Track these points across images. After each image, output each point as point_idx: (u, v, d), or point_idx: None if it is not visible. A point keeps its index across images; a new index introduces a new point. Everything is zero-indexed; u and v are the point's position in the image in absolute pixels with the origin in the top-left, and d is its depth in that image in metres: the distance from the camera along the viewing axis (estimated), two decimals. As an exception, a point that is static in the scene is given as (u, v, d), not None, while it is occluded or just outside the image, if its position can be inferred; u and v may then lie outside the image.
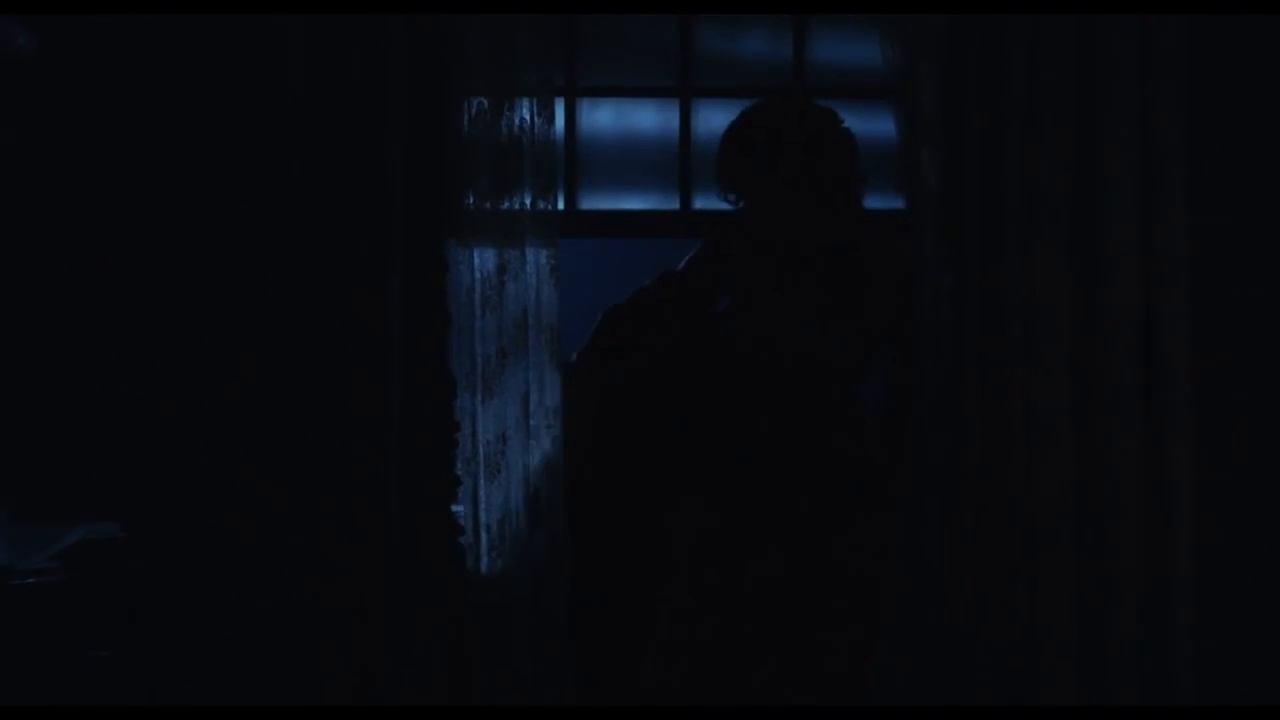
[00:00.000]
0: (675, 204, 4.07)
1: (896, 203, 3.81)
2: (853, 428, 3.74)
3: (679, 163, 4.10)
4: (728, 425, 3.74)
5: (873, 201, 3.87)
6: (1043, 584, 3.73)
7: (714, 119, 4.05)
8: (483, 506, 3.71)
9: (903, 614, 3.75)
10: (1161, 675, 3.71)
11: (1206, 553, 3.80)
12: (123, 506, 3.22)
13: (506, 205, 3.70)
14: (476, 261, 3.71)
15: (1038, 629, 3.72)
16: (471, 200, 3.68)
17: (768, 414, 3.71)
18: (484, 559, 3.69)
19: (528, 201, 3.71)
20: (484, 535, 3.70)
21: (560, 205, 3.84)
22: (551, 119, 3.74)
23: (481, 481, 3.70)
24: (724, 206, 3.82)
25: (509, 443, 3.70)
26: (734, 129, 3.76)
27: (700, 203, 4.09)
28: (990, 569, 3.74)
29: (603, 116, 4.15)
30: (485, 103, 3.68)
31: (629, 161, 4.14)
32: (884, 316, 3.75)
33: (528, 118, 3.71)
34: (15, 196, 3.53)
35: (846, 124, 3.77)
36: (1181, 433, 3.78)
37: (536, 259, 3.74)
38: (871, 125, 3.87)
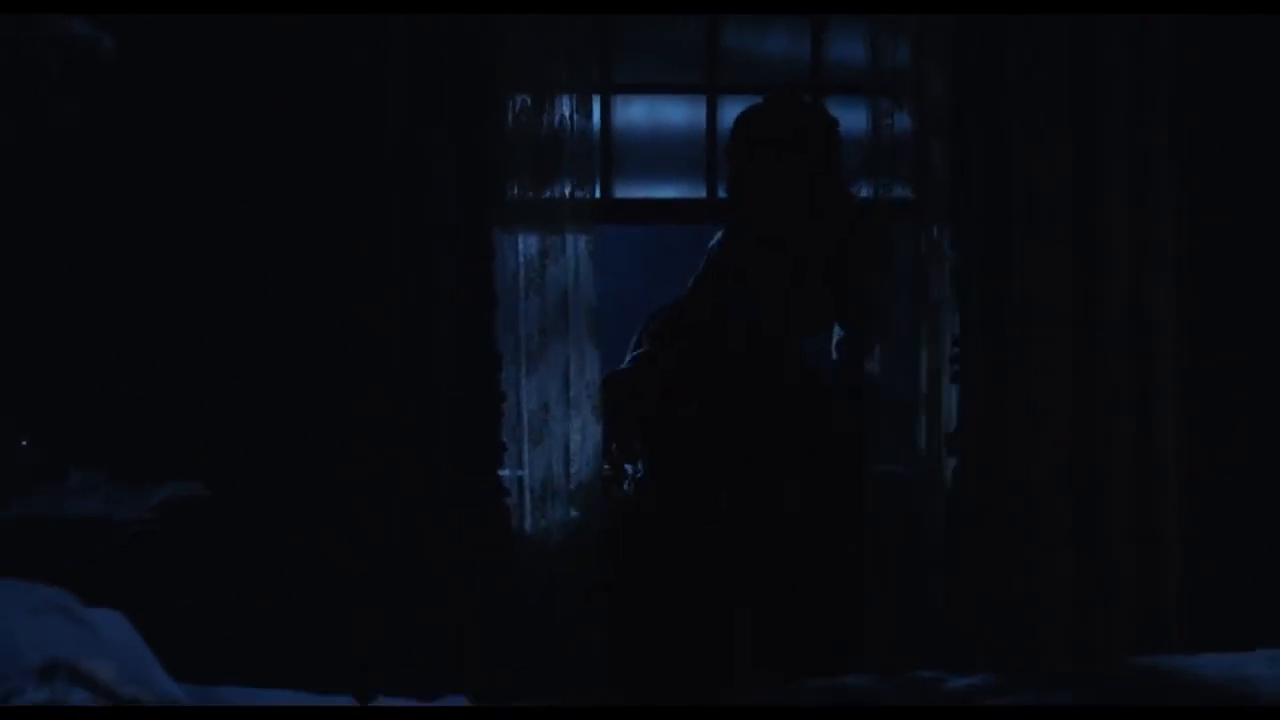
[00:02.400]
0: (703, 192, 4.13)
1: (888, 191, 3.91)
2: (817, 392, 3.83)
3: (706, 154, 4.14)
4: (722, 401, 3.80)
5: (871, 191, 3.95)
6: (1041, 555, 3.88)
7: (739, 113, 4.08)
8: (526, 470, 3.86)
9: (909, 582, 3.88)
10: (1153, 634, 3.84)
11: (1192, 523, 3.94)
12: (207, 467, 3.38)
13: (547, 195, 3.84)
14: (520, 247, 3.86)
15: (1035, 579, 3.87)
16: (515, 190, 3.83)
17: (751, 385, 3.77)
18: (528, 519, 3.85)
19: (567, 191, 3.84)
20: (527, 497, 3.86)
21: (597, 194, 3.98)
22: (589, 114, 3.88)
23: (526, 448, 3.85)
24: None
25: (550, 413, 3.86)
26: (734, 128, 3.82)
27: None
28: (992, 539, 3.89)
29: (636, 112, 4.19)
30: (528, 100, 3.82)
31: (660, 153, 4.17)
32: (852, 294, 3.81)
33: (567, 114, 3.84)
34: (101, 185, 3.70)
35: (841, 120, 3.82)
36: (1170, 414, 3.93)
37: (575, 244, 3.86)
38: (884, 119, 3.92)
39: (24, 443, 3.02)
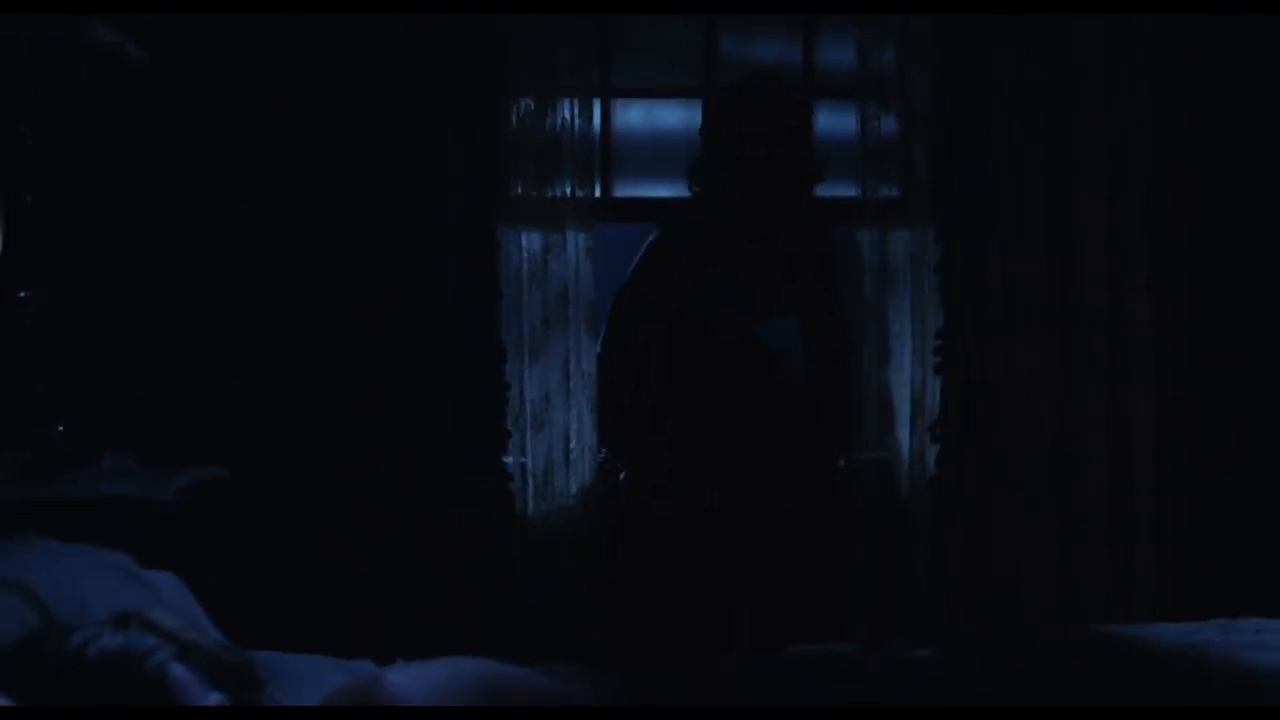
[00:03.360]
0: (698, 192, 4.22)
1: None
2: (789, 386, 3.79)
3: None
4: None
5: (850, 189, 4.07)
6: (1025, 523, 4.00)
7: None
8: (529, 457, 3.99)
9: (895, 561, 4.01)
10: (1126, 597, 3.98)
11: (1163, 492, 4.07)
12: (228, 452, 3.54)
13: (550, 194, 3.95)
14: (524, 243, 3.97)
15: (1022, 562, 3.99)
16: (519, 190, 3.94)
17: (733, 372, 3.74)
18: (530, 502, 3.98)
19: (568, 191, 3.95)
20: (530, 482, 3.98)
21: (597, 193, 4.08)
22: (589, 117, 3.98)
23: (529, 435, 3.98)
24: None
25: (552, 402, 3.98)
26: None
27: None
28: (978, 509, 4.02)
29: (634, 115, 4.27)
30: (531, 104, 3.94)
31: (657, 155, 4.23)
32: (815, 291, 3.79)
33: (568, 117, 3.95)
34: (129, 184, 3.82)
35: (831, 123, 3.93)
36: (1142, 400, 4.06)
37: (576, 241, 3.97)
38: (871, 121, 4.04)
39: (61, 429, 3.17)
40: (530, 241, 3.98)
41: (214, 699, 1.59)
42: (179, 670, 1.59)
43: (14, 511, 2.66)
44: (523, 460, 4.00)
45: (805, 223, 3.82)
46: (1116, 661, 2.28)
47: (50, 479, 3.06)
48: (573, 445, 4.00)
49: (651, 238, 3.82)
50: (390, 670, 1.76)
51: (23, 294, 3.20)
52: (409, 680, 1.70)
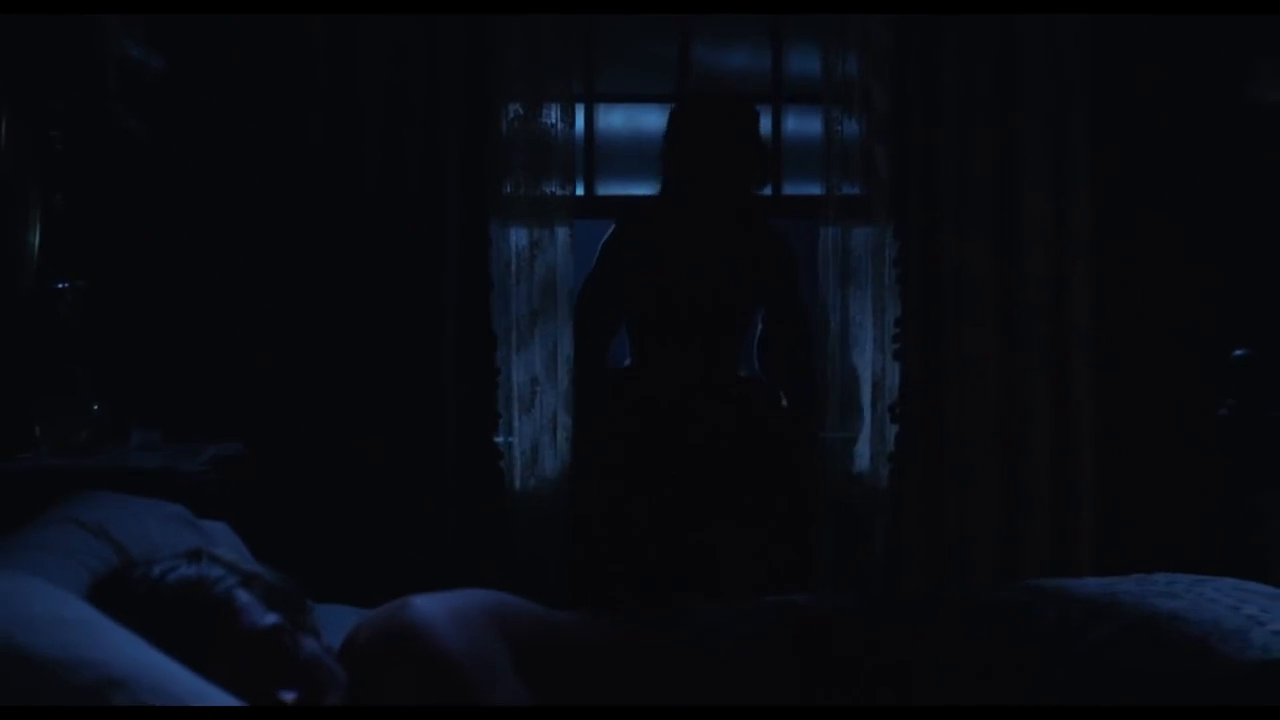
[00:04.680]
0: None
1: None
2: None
3: None
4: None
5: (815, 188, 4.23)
6: (975, 494, 4.20)
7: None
8: (517, 437, 4.12)
9: (858, 528, 4.20)
10: (1067, 560, 4.16)
11: (1102, 466, 4.25)
12: (244, 429, 3.67)
13: (537, 192, 4.08)
14: (513, 239, 4.10)
15: (967, 524, 4.19)
16: (509, 189, 4.07)
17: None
18: (518, 479, 4.13)
19: (554, 189, 4.10)
20: (518, 460, 4.13)
21: (581, 192, 4.23)
22: (573, 121, 4.12)
23: (516, 417, 4.12)
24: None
25: (538, 386, 4.11)
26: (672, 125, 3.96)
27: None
28: (933, 482, 4.21)
29: (616, 118, 4.42)
30: (520, 108, 4.08)
31: (638, 156, 4.34)
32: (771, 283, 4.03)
33: (555, 120, 4.09)
34: (153, 184, 3.98)
35: (797, 126, 4.09)
36: (1084, 372, 4.24)
37: (561, 236, 4.10)
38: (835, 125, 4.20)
39: (95, 407, 3.36)
40: (518, 237, 4.11)
41: (271, 619, 1.87)
42: (243, 595, 1.87)
43: (63, 480, 2.85)
44: (511, 440, 4.14)
45: (759, 222, 4.03)
46: (1027, 605, 2.44)
47: (89, 452, 3.26)
48: (558, 425, 4.13)
49: (610, 230, 4.06)
50: (415, 596, 2.04)
51: (61, 285, 3.38)
52: (430, 603, 1.99)
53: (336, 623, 2.20)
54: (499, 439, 4.14)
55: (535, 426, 4.16)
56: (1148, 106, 4.35)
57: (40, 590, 1.70)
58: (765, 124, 4.19)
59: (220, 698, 1.58)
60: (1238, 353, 3.70)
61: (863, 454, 4.29)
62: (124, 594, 1.86)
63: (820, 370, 4.23)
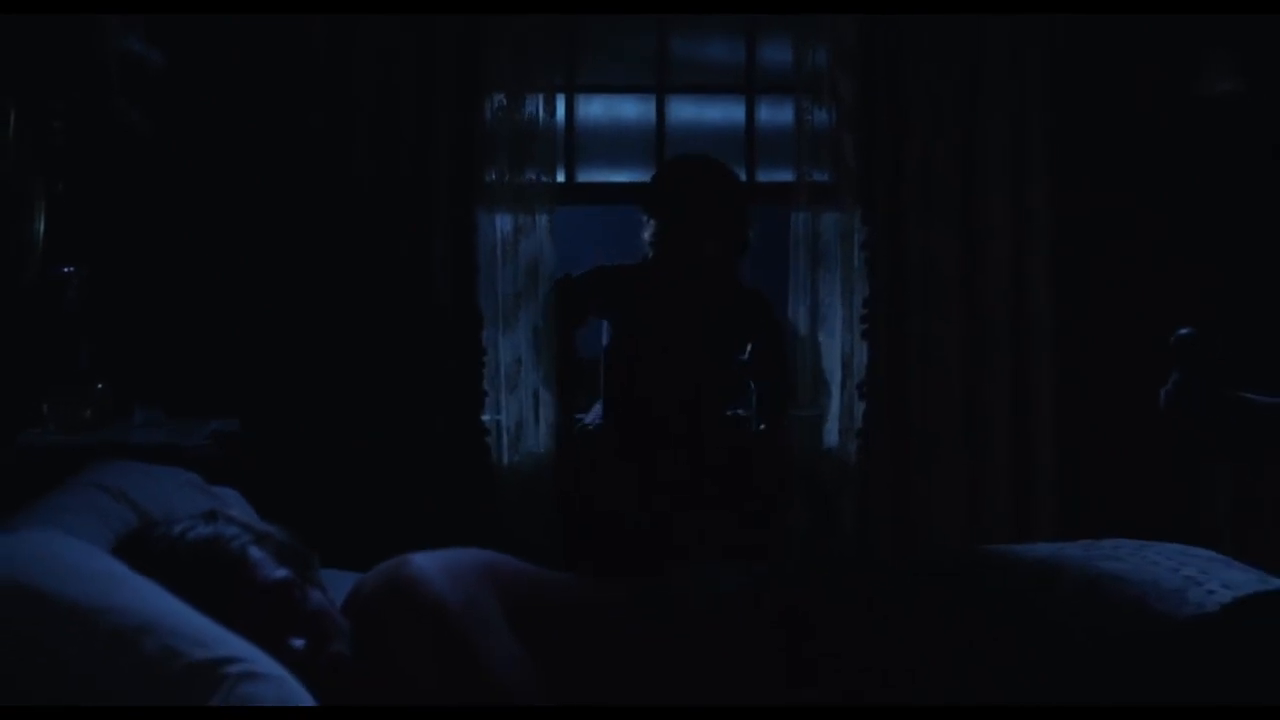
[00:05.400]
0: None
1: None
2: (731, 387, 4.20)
3: (656, 145, 4.43)
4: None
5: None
6: (939, 469, 4.34)
7: (684, 111, 4.50)
8: (503, 414, 4.22)
9: (829, 500, 4.31)
10: (1026, 529, 4.25)
11: (1061, 444, 4.37)
12: (240, 408, 3.77)
13: (520, 180, 4.18)
14: (498, 224, 4.21)
15: (933, 497, 4.32)
16: (493, 176, 4.18)
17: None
18: (504, 454, 4.24)
19: (537, 176, 4.19)
20: (504, 436, 4.23)
21: (561, 179, 4.33)
22: (554, 111, 4.22)
23: (503, 394, 4.22)
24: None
25: (523, 365, 4.22)
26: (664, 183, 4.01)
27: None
28: (899, 457, 4.34)
29: (595, 109, 4.49)
30: (504, 99, 4.18)
31: (616, 145, 4.46)
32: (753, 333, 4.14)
33: (536, 110, 4.19)
34: (152, 173, 4.06)
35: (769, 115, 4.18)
36: (1044, 360, 4.37)
37: (543, 222, 4.20)
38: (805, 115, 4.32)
39: (99, 386, 3.50)
40: (502, 222, 4.21)
41: (281, 573, 2.03)
42: (255, 551, 2.02)
43: (69, 456, 2.96)
44: (498, 417, 4.25)
45: (741, 288, 4.12)
46: (976, 569, 2.55)
47: (94, 429, 3.41)
48: (541, 403, 4.24)
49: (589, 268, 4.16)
50: (413, 554, 2.19)
51: (65, 271, 3.52)
52: (428, 560, 2.14)
53: (335, 584, 2.31)
54: (485, 417, 4.23)
55: (520, 405, 4.25)
56: (1104, 100, 4.45)
57: (70, 545, 1.85)
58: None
59: (235, 642, 1.71)
60: (1181, 331, 3.83)
61: (832, 430, 4.40)
62: (146, 550, 1.99)
63: (791, 356, 4.33)
